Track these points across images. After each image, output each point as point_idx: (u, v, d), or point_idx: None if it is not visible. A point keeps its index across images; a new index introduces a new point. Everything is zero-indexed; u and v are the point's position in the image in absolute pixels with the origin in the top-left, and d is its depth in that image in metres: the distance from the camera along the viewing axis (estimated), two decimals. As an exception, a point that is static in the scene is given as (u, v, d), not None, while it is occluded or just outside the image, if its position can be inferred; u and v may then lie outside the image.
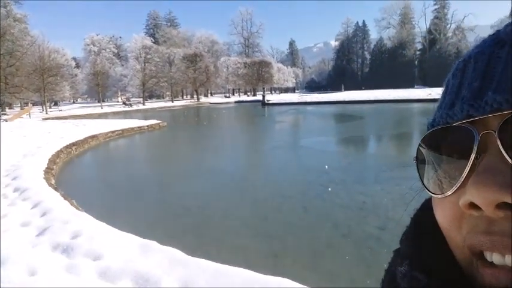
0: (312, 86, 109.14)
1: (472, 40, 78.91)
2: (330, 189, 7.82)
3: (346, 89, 77.43)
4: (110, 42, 79.60)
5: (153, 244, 4.08)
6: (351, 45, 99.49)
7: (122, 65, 74.95)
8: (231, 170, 10.92)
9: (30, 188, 7.17)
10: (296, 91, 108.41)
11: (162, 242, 4.19)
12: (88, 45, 75.84)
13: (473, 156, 0.29)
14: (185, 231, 5.85)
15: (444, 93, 0.36)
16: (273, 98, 62.66)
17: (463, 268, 0.32)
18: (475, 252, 0.30)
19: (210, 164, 11.93)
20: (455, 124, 0.31)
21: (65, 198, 6.54)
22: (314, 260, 4.72)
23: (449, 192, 0.31)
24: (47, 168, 9.75)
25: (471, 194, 0.27)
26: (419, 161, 0.36)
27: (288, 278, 3.30)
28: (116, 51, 79.93)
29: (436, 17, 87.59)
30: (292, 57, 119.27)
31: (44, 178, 8.42)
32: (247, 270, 3.39)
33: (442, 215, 0.32)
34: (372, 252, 4.77)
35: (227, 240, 5.38)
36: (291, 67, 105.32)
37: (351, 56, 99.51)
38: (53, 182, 8.69)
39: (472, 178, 0.28)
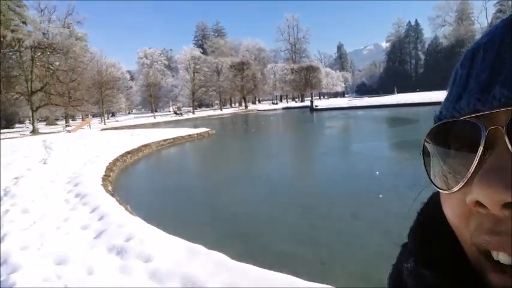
0: (362, 90, 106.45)
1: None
2: (381, 195, 7.52)
3: (400, 91, 74.09)
4: (161, 55, 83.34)
5: (200, 248, 4.16)
6: (403, 45, 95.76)
7: (173, 76, 78.20)
8: (279, 177, 10.89)
9: (89, 193, 7.65)
10: (346, 95, 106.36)
11: (208, 245, 4.26)
12: (141, 58, 79.88)
13: (479, 152, 0.27)
14: (232, 236, 5.91)
15: (452, 85, 0.34)
16: (321, 103, 61.83)
17: (472, 265, 0.31)
18: (481, 250, 0.29)
19: (258, 171, 12.01)
20: (462, 118, 0.30)
21: (120, 204, 6.89)
22: (363, 268, 4.55)
23: (455, 189, 0.29)
24: (104, 175, 10.36)
25: (477, 192, 0.26)
26: (426, 154, 0.34)
27: (334, 286, 3.21)
28: (167, 63, 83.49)
29: (499, 10, 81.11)
30: (340, 61, 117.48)
31: (101, 184, 8.95)
32: (290, 276, 3.34)
33: (451, 211, 0.31)
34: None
35: (274, 246, 5.36)
36: (340, 71, 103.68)
37: (404, 57, 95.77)
38: (109, 188, 9.21)
39: (478, 176, 0.27)
